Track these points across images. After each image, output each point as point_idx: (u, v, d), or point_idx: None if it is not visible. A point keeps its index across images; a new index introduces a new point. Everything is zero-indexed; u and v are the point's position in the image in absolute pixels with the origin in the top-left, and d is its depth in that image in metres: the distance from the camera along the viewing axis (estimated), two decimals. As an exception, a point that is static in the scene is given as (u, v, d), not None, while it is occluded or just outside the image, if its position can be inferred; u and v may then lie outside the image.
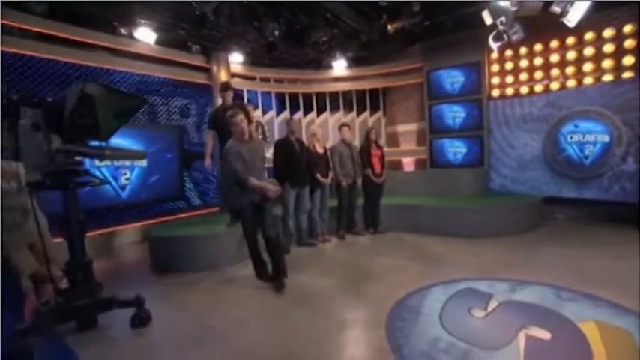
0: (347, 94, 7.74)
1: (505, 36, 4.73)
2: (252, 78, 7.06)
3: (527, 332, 2.44)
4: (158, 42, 5.39)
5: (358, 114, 7.73)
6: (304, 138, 5.67)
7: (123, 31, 5.03)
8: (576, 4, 3.80)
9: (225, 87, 4.55)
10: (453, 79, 6.49)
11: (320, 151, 5.16)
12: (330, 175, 5.18)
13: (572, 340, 2.33)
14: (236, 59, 6.55)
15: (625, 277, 3.22)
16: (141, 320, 2.86)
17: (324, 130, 7.19)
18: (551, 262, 3.89)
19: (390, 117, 7.71)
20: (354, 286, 3.50)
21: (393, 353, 2.30)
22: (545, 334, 2.41)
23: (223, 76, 6.34)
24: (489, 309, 2.85)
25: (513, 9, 4.10)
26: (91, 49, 4.98)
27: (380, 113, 7.76)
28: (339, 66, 7.23)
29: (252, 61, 6.84)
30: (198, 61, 6.16)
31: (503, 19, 4.38)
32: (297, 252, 4.73)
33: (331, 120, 7.60)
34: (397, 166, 7.67)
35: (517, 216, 5.34)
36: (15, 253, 2.94)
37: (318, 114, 7.70)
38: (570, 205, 5.75)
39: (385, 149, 7.47)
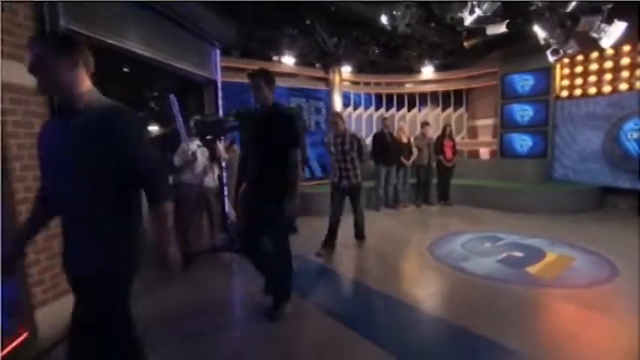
0: (434, 93, 9.30)
1: (561, 51, 5.86)
2: (357, 83, 9.19)
3: (510, 253, 4.14)
4: (296, 63, 7.89)
5: (443, 109, 9.25)
6: (395, 131, 7.52)
7: (275, 58, 7.65)
8: (609, 31, 4.88)
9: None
10: (524, 82, 7.50)
11: (405, 140, 7.07)
12: (412, 158, 7.07)
13: (535, 259, 3.96)
14: (346, 69, 8.73)
15: (628, 247, 4.19)
16: (294, 229, 5.35)
17: (413, 124, 8.95)
18: (575, 232, 5.01)
19: (471, 112, 9.02)
20: (417, 229, 5.55)
21: (429, 253, 4.28)
22: (520, 255, 4.09)
23: (337, 83, 8.62)
24: (496, 244, 4.55)
25: (552, 40, 5.32)
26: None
27: (463, 109, 9.13)
28: (427, 71, 8.83)
29: (358, 70, 8.93)
30: (320, 73, 8.53)
31: (553, 40, 5.58)
32: (385, 211, 6.87)
33: (419, 115, 9.29)
34: (475, 154, 9.01)
35: (570, 200, 6.43)
36: (230, 189, 5.71)
37: (409, 110, 9.45)
38: (633, 196, 6.48)
39: (466, 140, 8.95)
